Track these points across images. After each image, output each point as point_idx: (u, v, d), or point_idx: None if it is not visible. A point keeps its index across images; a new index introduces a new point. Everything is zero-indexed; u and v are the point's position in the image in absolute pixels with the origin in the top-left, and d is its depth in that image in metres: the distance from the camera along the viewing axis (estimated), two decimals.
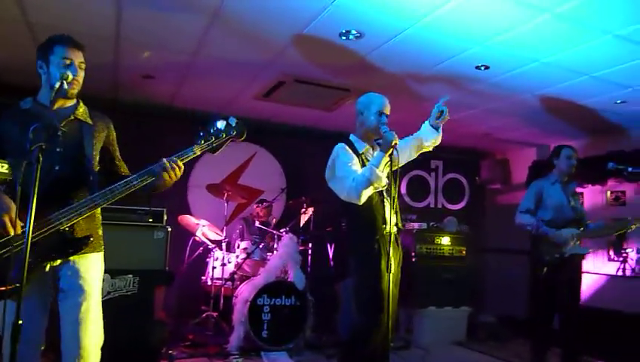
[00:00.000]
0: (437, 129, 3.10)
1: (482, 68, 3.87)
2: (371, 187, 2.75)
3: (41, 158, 1.65)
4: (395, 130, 2.84)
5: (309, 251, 5.12)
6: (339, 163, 2.90)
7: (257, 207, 5.47)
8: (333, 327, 4.89)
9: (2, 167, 2.19)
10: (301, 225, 5.27)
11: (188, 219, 4.99)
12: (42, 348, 2.01)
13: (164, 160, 2.03)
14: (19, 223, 1.85)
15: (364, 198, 2.78)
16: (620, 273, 5.47)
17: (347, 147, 2.97)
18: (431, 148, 3.21)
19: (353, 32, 3.37)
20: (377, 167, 2.73)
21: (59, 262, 2.00)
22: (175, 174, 2.04)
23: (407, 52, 3.66)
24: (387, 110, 3.03)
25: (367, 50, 3.68)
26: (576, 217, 3.98)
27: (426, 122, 3.13)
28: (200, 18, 3.29)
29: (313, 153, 6.29)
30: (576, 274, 3.95)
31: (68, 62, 2.03)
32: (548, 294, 3.91)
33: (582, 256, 3.99)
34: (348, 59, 3.87)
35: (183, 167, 2.09)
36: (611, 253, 5.74)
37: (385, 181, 2.78)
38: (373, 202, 2.91)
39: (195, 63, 4.15)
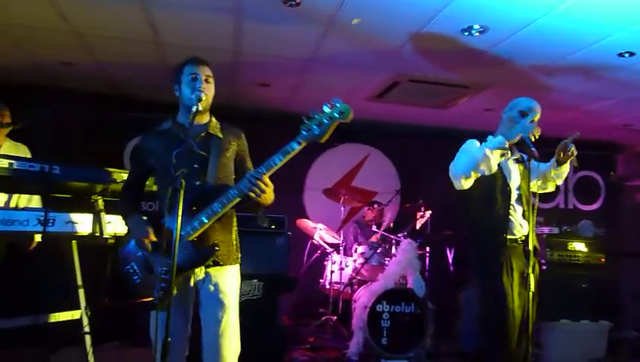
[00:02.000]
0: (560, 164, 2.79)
1: (626, 55, 3.45)
2: (474, 171, 2.54)
3: (184, 183, 1.73)
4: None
5: (427, 256, 4.94)
6: (460, 150, 2.73)
7: (369, 209, 5.40)
8: (454, 337, 4.68)
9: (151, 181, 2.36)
10: (418, 228, 5.11)
11: (306, 223, 5.07)
12: (186, 354, 2.13)
13: (247, 178, 1.99)
14: (154, 240, 1.99)
15: (464, 181, 2.59)
16: None
17: (477, 142, 2.75)
18: (558, 182, 2.92)
19: (476, 27, 3.18)
20: (490, 149, 2.52)
21: (200, 275, 2.10)
22: (261, 190, 1.98)
23: (537, 43, 3.38)
24: (535, 116, 2.70)
25: (491, 45, 3.45)
26: None
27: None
28: (315, 27, 3.31)
29: (427, 152, 6.09)
30: None
31: (194, 76, 2.14)
32: None
33: None
34: (469, 55, 3.66)
35: (270, 184, 2.02)
36: None
37: (494, 167, 2.58)
38: (497, 206, 2.70)
39: (309, 69, 4.20)
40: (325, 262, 5.00)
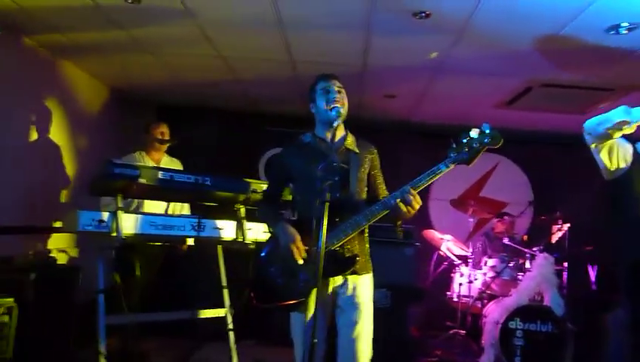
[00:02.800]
0: None
1: None
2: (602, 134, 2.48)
3: (329, 196, 1.85)
4: None
5: (565, 272, 4.60)
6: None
7: (499, 221, 5.16)
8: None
9: (286, 191, 2.54)
10: (553, 242, 4.77)
11: (432, 234, 5.01)
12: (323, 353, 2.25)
13: (400, 192, 2.05)
14: (302, 248, 2.12)
15: (593, 137, 2.54)
16: None
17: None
18: None
19: (625, 24, 2.92)
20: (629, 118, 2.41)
21: (339, 281, 2.21)
22: (412, 207, 2.04)
23: None
24: None
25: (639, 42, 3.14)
26: None
27: None
28: (445, 38, 3.29)
29: (563, 161, 5.68)
30: None
31: (327, 89, 2.26)
32: None
33: None
34: (614, 56, 3.37)
35: (419, 201, 2.06)
36: None
37: None
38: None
39: (435, 79, 4.17)
40: (453, 274, 4.89)
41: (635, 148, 2.62)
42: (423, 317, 4.84)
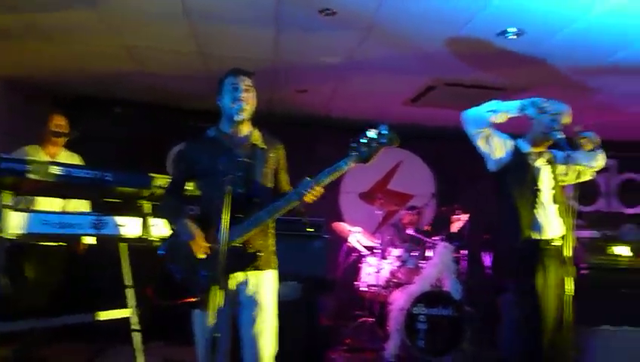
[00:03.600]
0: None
1: None
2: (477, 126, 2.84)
3: (230, 190, 1.84)
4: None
5: (464, 259, 4.93)
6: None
7: (407, 213, 5.42)
8: (494, 342, 4.64)
9: (188, 184, 2.48)
10: (454, 231, 5.09)
11: (342, 226, 5.13)
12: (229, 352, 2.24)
13: (302, 186, 2.11)
14: (204, 245, 2.10)
15: (470, 125, 2.92)
16: None
17: (514, 142, 2.88)
18: (593, 165, 2.92)
19: (512, 30, 3.18)
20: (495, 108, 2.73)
21: (240, 277, 2.20)
22: (312, 196, 2.11)
23: (576, 45, 3.35)
24: (565, 118, 2.77)
25: (528, 47, 3.45)
26: None
27: None
28: (354, 34, 3.38)
29: (464, 156, 6.02)
30: None
31: (235, 86, 2.23)
32: None
33: None
34: (506, 58, 3.65)
35: (322, 190, 2.13)
36: None
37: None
38: (525, 206, 2.74)
39: (346, 76, 4.27)
40: (361, 265, 5.05)
41: (516, 145, 2.87)
42: (334, 308, 4.97)
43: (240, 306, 2.21)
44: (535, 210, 2.75)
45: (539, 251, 2.71)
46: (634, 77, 3.85)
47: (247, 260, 2.15)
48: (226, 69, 2.34)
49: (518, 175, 2.80)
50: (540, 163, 2.84)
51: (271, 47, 3.67)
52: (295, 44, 3.64)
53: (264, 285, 2.22)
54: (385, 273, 4.80)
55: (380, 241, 4.99)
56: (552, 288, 2.64)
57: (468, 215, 4.92)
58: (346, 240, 5.14)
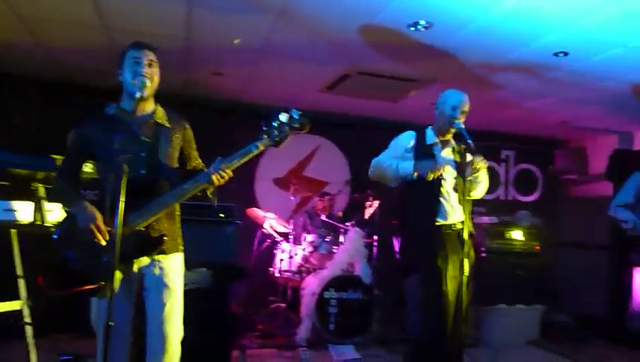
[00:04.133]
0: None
1: (561, 55, 3.65)
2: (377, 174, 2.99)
3: (127, 169, 1.73)
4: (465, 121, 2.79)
5: (375, 244, 5.09)
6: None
7: (320, 200, 5.49)
8: (400, 322, 4.85)
9: (86, 166, 2.32)
10: (366, 217, 5.24)
11: (256, 212, 5.10)
12: (130, 340, 2.14)
13: (213, 167, 2.08)
14: (104, 228, 1.98)
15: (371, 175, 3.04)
16: None
17: (415, 135, 3.02)
18: (476, 189, 3.05)
19: (422, 22, 3.27)
20: (395, 167, 2.86)
21: (145, 261, 2.11)
22: (222, 178, 2.09)
23: (480, 41, 3.51)
24: (466, 107, 2.94)
25: (436, 41, 3.57)
26: None
27: None
28: (267, 16, 3.32)
29: (378, 144, 6.19)
30: None
31: (137, 60, 2.12)
32: None
33: None
34: (416, 50, 3.77)
35: (231, 174, 2.11)
36: None
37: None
38: (427, 192, 2.89)
39: (262, 60, 4.21)
40: (275, 251, 5.06)
41: (416, 139, 3.05)
42: (246, 294, 4.93)
43: (145, 291, 2.13)
44: (439, 198, 2.89)
45: (441, 235, 2.86)
46: (529, 74, 4.14)
47: (153, 244, 2.08)
48: None
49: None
50: (446, 153, 2.99)
51: (183, 24, 3.52)
52: (208, 24, 3.51)
53: (172, 268, 2.16)
54: (298, 259, 4.85)
55: (292, 227, 5.02)
56: (453, 270, 2.80)
57: (378, 201, 5.07)
58: (260, 227, 5.11)
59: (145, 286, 2.13)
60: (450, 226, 2.90)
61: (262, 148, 2.12)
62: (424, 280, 2.91)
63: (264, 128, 2.11)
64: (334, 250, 4.74)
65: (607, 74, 3.99)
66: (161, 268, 2.13)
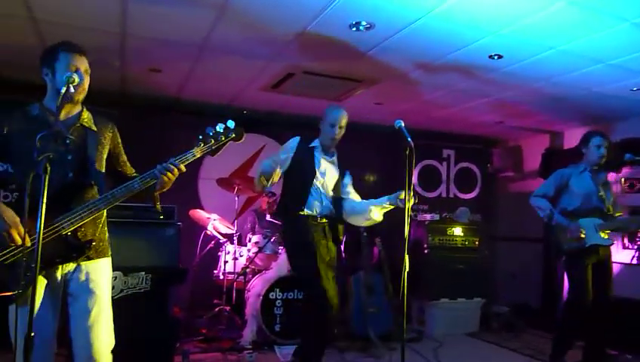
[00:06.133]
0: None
1: (495, 57, 3.79)
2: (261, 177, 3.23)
3: (49, 168, 1.64)
4: (402, 118, 2.83)
5: None
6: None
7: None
8: (345, 320, 4.88)
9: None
10: None
11: (199, 213, 4.98)
12: (55, 350, 2.03)
13: (164, 165, 2.08)
14: (23, 232, 1.86)
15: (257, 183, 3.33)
16: (634, 261, 5.40)
17: (299, 140, 3.48)
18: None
19: (364, 23, 3.30)
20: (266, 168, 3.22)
21: (70, 267, 2.01)
22: (174, 175, 2.10)
23: (418, 42, 3.59)
24: (342, 122, 3.41)
25: (377, 41, 3.61)
26: (603, 207, 3.86)
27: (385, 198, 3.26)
28: (207, 12, 3.24)
29: None
30: (602, 264, 3.80)
31: (74, 68, 2.05)
32: (570, 284, 3.87)
33: (607, 248, 3.83)
34: (358, 50, 3.80)
35: (184, 169, 2.12)
36: (626, 241, 5.67)
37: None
38: (300, 186, 3.34)
39: (202, 57, 4.11)
40: (219, 253, 4.97)
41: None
42: (189, 298, 4.82)
43: (70, 298, 2.03)
44: (305, 189, 3.32)
45: (307, 225, 3.29)
46: (467, 75, 4.28)
47: (80, 250, 1.99)
48: (65, 38, 2.13)
49: (302, 164, 3.37)
50: (324, 161, 3.45)
51: (118, 18, 3.37)
52: (145, 18, 3.39)
53: (99, 273, 2.08)
54: (243, 260, 4.79)
55: (235, 228, 4.95)
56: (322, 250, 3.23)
57: None
58: (204, 228, 5.00)
59: (70, 292, 2.04)
60: (315, 217, 3.33)
61: (198, 155, 2.17)
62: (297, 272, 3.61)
63: (200, 136, 2.16)
64: (279, 251, 4.71)
65: (539, 76, 4.19)
66: (87, 274, 2.05)
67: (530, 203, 4.05)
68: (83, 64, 2.10)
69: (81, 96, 2.10)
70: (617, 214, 3.94)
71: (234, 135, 2.20)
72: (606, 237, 3.78)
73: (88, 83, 2.14)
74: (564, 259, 3.86)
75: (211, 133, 2.15)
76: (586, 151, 3.94)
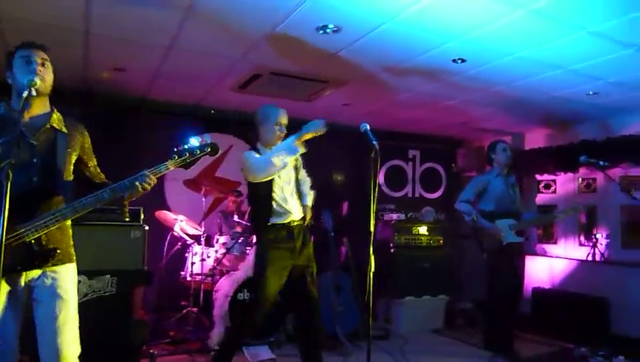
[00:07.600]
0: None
1: (459, 61, 3.90)
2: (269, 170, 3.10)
3: (10, 175, 1.60)
4: (368, 121, 2.87)
5: None
6: (249, 158, 3.22)
7: (232, 199, 5.43)
8: None
9: None
10: None
11: (165, 215, 4.92)
12: (18, 359, 1.99)
13: (136, 176, 2.08)
14: None
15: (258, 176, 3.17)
16: (589, 258, 5.64)
17: (253, 152, 3.35)
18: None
19: (330, 26, 3.34)
20: (277, 153, 3.08)
21: (35, 273, 1.97)
22: (148, 186, 2.11)
23: (384, 46, 3.65)
24: (284, 120, 3.40)
25: (344, 44, 3.66)
26: (515, 208, 4.36)
27: None
28: (174, 12, 3.21)
29: None
30: (518, 260, 4.38)
31: (28, 59, 2.02)
32: (492, 279, 4.29)
33: (520, 244, 4.33)
34: (325, 53, 3.84)
35: (156, 180, 2.13)
36: (582, 238, 5.91)
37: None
38: (265, 193, 3.23)
39: (169, 56, 4.06)
40: (186, 254, 4.93)
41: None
42: (156, 300, 4.76)
43: (35, 303, 2.00)
44: (268, 196, 3.23)
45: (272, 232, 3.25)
46: (430, 78, 4.38)
47: (44, 257, 1.95)
48: (27, 36, 2.10)
49: None
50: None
51: (81, 16, 3.30)
52: (108, 16, 3.33)
53: (64, 279, 2.05)
54: (210, 261, 4.76)
55: (203, 229, 4.92)
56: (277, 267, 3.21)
57: None
58: (170, 229, 4.95)
59: (35, 297, 2.00)
60: (283, 225, 3.24)
61: (171, 168, 2.19)
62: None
63: (175, 149, 2.17)
64: (247, 251, 4.70)
65: (501, 80, 4.33)
66: (53, 279, 2.02)
67: (456, 208, 4.41)
68: (39, 55, 2.06)
69: (45, 91, 2.06)
70: (523, 213, 4.46)
71: (209, 149, 2.23)
72: (515, 235, 4.27)
73: (51, 77, 2.10)
74: (486, 257, 4.34)
75: (187, 147, 2.17)
76: (495, 156, 4.44)
